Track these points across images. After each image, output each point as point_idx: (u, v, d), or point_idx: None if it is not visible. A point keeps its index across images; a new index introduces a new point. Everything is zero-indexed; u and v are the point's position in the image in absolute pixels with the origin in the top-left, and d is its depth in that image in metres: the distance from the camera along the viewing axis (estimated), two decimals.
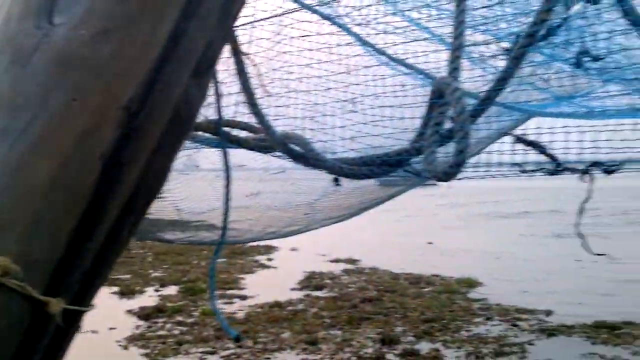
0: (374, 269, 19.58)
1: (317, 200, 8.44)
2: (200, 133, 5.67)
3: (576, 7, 4.38)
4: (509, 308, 14.04)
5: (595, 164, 3.94)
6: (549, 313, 13.47)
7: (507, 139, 4.40)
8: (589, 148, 3.82)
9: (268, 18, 5.50)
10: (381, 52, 5.53)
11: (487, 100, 4.01)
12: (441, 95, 3.50)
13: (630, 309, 13.64)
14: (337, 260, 21.42)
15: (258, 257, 22.12)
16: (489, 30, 5.06)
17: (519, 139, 4.20)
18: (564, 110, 5.81)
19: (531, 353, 10.79)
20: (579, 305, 14.18)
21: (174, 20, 2.44)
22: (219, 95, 4.81)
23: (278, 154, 5.34)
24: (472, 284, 17.12)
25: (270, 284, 17.46)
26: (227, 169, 5.60)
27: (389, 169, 4.42)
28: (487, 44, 4.96)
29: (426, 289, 16.60)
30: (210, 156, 7.20)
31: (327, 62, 5.15)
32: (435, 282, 17.44)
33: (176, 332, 12.60)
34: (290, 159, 5.05)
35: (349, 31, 5.54)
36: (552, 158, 4.14)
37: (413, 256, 22.57)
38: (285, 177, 8.77)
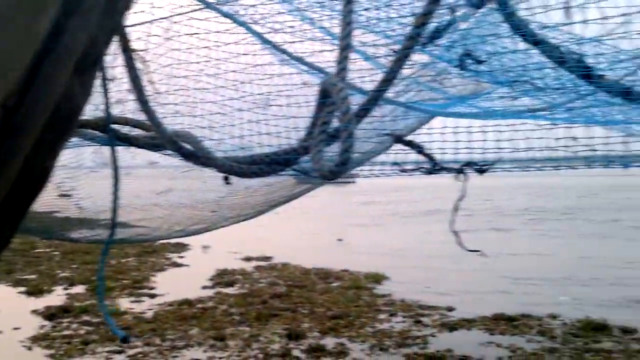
0: (285, 265, 19.71)
1: (224, 198, 8.45)
2: (90, 130, 5.55)
3: (461, 11, 4.56)
4: (412, 304, 14.32)
5: (469, 163, 4.12)
6: (450, 309, 13.79)
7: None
8: (463, 148, 4.02)
9: (167, 18, 5.47)
10: (281, 51, 5.56)
11: (372, 101, 4.12)
12: (328, 95, 3.59)
13: (527, 302, 14.19)
14: (249, 258, 21.41)
15: (170, 255, 21.93)
16: (380, 32, 5.16)
17: (398, 139, 4.32)
18: (459, 111, 6.03)
19: (432, 344, 11.07)
20: (479, 300, 14.63)
21: (54, 16, 2.37)
22: (107, 93, 4.74)
23: (169, 152, 5.31)
24: (378, 279, 17.45)
25: (180, 282, 17.32)
26: (115, 167, 5.45)
27: (278, 168, 4.48)
28: (376, 45, 5.06)
29: (334, 284, 16.81)
30: (120, 154, 7.12)
31: (219, 60, 5.16)
32: (344, 277, 17.70)
33: (82, 331, 12.36)
34: (180, 157, 5.04)
35: (247, 28, 5.52)
36: (429, 158, 4.29)
37: (324, 252, 22.88)
38: (197, 175, 8.74)
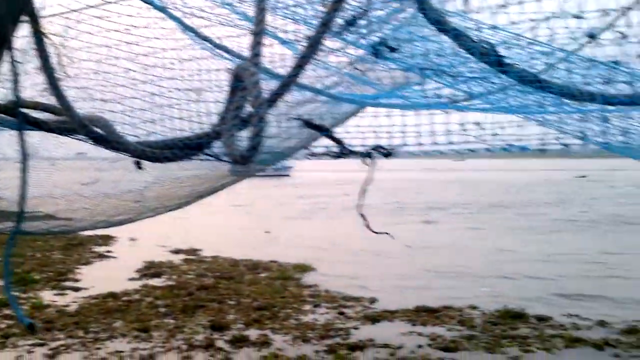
0: (215, 258, 19.58)
1: (147, 188, 8.33)
2: None
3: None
4: (337, 295, 14.44)
5: (376, 147, 4.19)
6: (373, 300, 13.95)
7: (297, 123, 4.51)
8: (369, 133, 4.10)
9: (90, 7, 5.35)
10: (197, 34, 5.48)
11: (284, 86, 4.12)
12: (241, 80, 3.60)
13: (449, 294, 14.48)
14: (177, 251, 21.24)
15: (96, 248, 21.50)
16: (296, 18, 5.15)
17: (307, 123, 4.33)
18: (386, 102, 6.10)
19: (354, 335, 11.17)
20: (403, 292, 14.80)
21: None
22: (16, 75, 4.58)
23: (80, 136, 5.18)
24: (306, 269, 17.63)
25: (106, 274, 16.99)
26: (24, 152, 5.19)
27: (190, 152, 4.47)
28: (290, 31, 5.04)
29: (262, 275, 16.85)
30: (44, 144, 6.93)
31: (131, 44, 5.08)
32: (272, 268, 17.76)
33: (3, 325, 12.07)
34: (92, 142, 4.93)
35: (161, 9, 5.41)
36: (338, 142, 4.34)
37: (254, 245, 22.83)
38: (124, 165, 8.59)
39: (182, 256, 20.26)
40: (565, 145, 4.51)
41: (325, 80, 5.65)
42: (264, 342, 10.78)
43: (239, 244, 22.71)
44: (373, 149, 4.27)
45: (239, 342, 10.80)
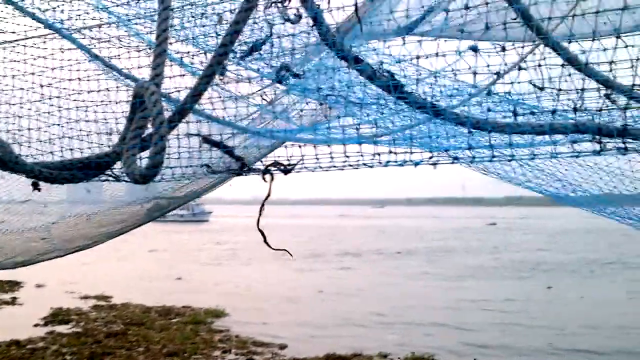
0: (125, 304, 19.14)
1: (53, 224, 8.12)
2: None
3: (277, 26, 4.73)
4: (247, 340, 14.39)
5: (274, 164, 4.28)
6: (283, 347, 13.93)
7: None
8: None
9: None
10: (94, 56, 5.46)
11: (183, 109, 4.14)
12: (141, 98, 3.65)
13: (359, 341, 14.46)
14: (87, 297, 20.68)
15: (1, 295, 20.72)
16: (196, 41, 5.20)
17: (206, 140, 4.37)
18: (303, 137, 6.21)
19: None
20: (313, 339, 14.83)
21: None
22: None
23: None
24: (218, 314, 17.48)
25: (10, 322, 16.34)
26: None
27: (90, 173, 4.43)
28: (190, 54, 5.08)
29: (174, 320, 16.60)
30: None
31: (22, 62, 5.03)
32: (185, 313, 17.52)
33: None
34: None
35: (56, 30, 5.36)
36: (238, 159, 4.40)
37: (166, 291, 22.49)
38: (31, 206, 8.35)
39: (91, 302, 19.75)
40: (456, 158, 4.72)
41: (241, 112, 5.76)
42: None
43: (150, 290, 22.31)
44: (271, 165, 4.37)
45: None
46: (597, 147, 3.60)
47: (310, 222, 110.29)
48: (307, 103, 5.44)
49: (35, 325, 15.74)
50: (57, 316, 17.06)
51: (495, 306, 19.87)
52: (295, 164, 4.37)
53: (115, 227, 9.12)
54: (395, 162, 4.39)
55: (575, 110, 3.73)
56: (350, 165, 4.35)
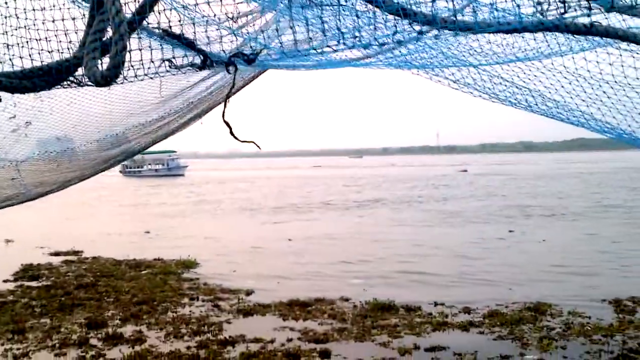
0: (96, 258, 19.21)
1: (23, 162, 8.04)
2: None
3: None
4: (215, 288, 14.60)
5: (238, 54, 4.29)
6: (249, 293, 14.15)
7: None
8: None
9: None
10: None
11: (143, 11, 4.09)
12: (101, 4, 3.64)
13: (322, 286, 14.84)
14: (57, 253, 20.66)
15: None
16: None
17: (166, 33, 4.32)
18: (290, 63, 6.21)
19: (227, 331, 11.18)
20: (278, 285, 15.09)
21: None
22: None
23: None
24: (189, 265, 17.63)
25: None
26: None
27: (51, 80, 4.41)
28: None
29: (144, 272, 16.69)
30: None
31: None
32: (155, 266, 17.61)
33: None
34: None
35: None
36: (200, 51, 4.40)
37: (138, 244, 22.71)
38: None
39: (62, 258, 19.75)
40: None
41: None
42: (138, 339, 10.68)
43: (121, 245, 22.43)
44: (234, 55, 4.37)
45: (114, 339, 10.69)
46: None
47: (284, 173, 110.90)
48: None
49: (5, 281, 15.74)
50: (28, 272, 17.06)
51: (454, 251, 20.35)
52: (258, 52, 4.37)
53: (85, 173, 9.16)
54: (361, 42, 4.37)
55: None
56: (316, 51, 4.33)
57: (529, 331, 10.84)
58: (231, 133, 5.14)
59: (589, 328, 11.02)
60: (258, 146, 6.22)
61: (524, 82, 5.72)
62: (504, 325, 11.17)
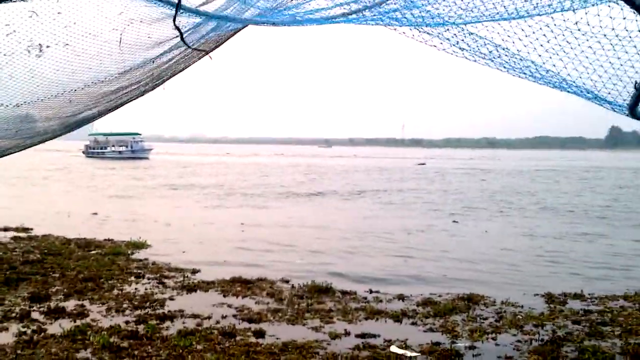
0: (46, 236, 19.20)
1: None
2: None
3: None
4: (163, 267, 14.83)
5: None
6: (195, 272, 14.42)
7: None
8: None
9: None
10: None
11: None
12: None
13: (267, 267, 15.23)
14: (6, 229, 20.61)
15: None
16: None
17: None
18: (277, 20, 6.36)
19: (168, 306, 11.41)
20: (224, 265, 15.41)
21: None
22: None
23: None
24: (139, 245, 17.77)
25: None
26: None
27: None
28: None
29: (93, 252, 16.71)
30: None
31: None
32: (105, 246, 17.63)
33: None
34: None
35: None
36: None
37: (90, 225, 22.81)
38: None
39: (11, 234, 19.71)
40: None
41: None
42: (80, 314, 10.79)
43: (73, 225, 22.38)
44: None
45: (55, 312, 10.78)
46: None
47: (246, 160, 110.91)
48: None
49: None
50: None
51: (396, 239, 21.01)
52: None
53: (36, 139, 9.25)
54: None
55: None
56: None
57: (462, 322, 11.05)
58: (182, 39, 5.21)
59: (520, 317, 11.34)
60: (210, 57, 6.25)
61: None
62: (437, 316, 11.40)
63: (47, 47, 6.56)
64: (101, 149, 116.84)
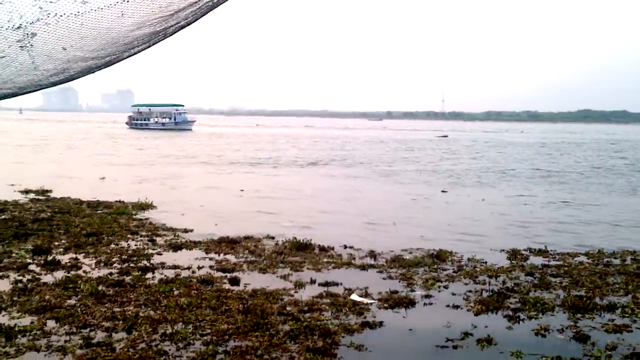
0: (62, 198, 19.93)
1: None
2: None
3: None
4: (159, 226, 15.44)
5: None
6: (187, 231, 15.02)
7: None
8: None
9: None
10: None
11: None
12: None
13: (259, 227, 15.72)
14: (27, 191, 21.43)
15: None
16: None
17: None
18: None
19: (154, 259, 12.05)
20: (216, 227, 15.87)
21: None
22: None
23: None
24: (145, 207, 18.46)
25: None
26: None
27: None
28: None
29: (99, 211, 17.44)
30: None
31: None
32: (113, 206, 18.34)
33: None
34: None
35: None
36: None
37: (102, 186, 24.08)
38: None
39: (31, 196, 20.49)
40: None
41: None
42: (74, 266, 11.38)
43: (95, 188, 23.34)
44: None
45: (52, 264, 11.37)
46: None
47: (274, 131, 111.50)
48: None
49: None
50: None
51: (383, 206, 21.71)
52: None
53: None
54: None
55: None
56: None
57: (423, 272, 11.53)
58: None
59: (478, 270, 11.77)
60: None
61: None
62: (401, 267, 11.91)
63: None
64: (144, 120, 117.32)
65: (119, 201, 19.56)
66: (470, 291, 10.36)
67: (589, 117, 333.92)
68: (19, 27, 7.90)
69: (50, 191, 21.54)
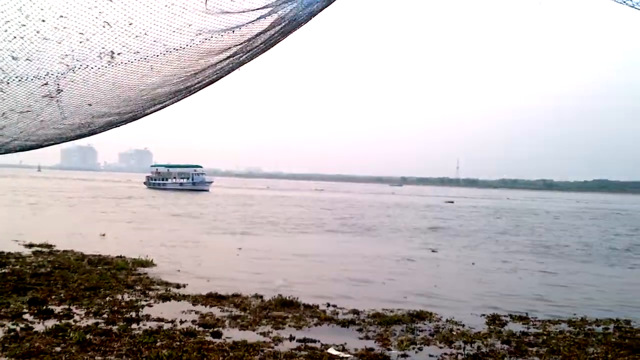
0: (65, 252, 20.31)
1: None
2: None
3: None
4: (155, 281, 15.86)
5: None
6: (180, 286, 15.39)
7: None
8: None
9: None
10: None
11: None
12: None
13: (247, 287, 15.86)
14: (31, 245, 21.86)
15: None
16: None
17: None
18: None
19: (141, 311, 12.36)
20: (208, 283, 16.18)
21: None
22: None
23: None
24: (144, 264, 18.76)
25: None
26: None
27: None
28: None
29: (99, 267, 17.75)
30: None
31: None
32: (113, 262, 18.65)
33: None
34: None
35: None
36: None
37: (103, 243, 24.42)
38: None
39: (34, 249, 20.89)
40: None
41: None
42: (65, 315, 11.73)
43: (87, 242, 23.95)
44: None
45: (45, 314, 11.70)
46: None
47: (279, 193, 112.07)
48: None
49: None
50: None
51: (374, 264, 22.27)
52: None
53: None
54: None
55: None
56: None
57: (400, 332, 11.76)
58: None
59: (455, 334, 11.90)
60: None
61: None
62: (381, 325, 12.23)
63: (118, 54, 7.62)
64: (163, 180, 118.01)
65: (120, 256, 19.90)
66: (445, 354, 10.54)
67: (604, 187, 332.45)
68: (45, 84, 8.22)
69: (53, 245, 21.94)
